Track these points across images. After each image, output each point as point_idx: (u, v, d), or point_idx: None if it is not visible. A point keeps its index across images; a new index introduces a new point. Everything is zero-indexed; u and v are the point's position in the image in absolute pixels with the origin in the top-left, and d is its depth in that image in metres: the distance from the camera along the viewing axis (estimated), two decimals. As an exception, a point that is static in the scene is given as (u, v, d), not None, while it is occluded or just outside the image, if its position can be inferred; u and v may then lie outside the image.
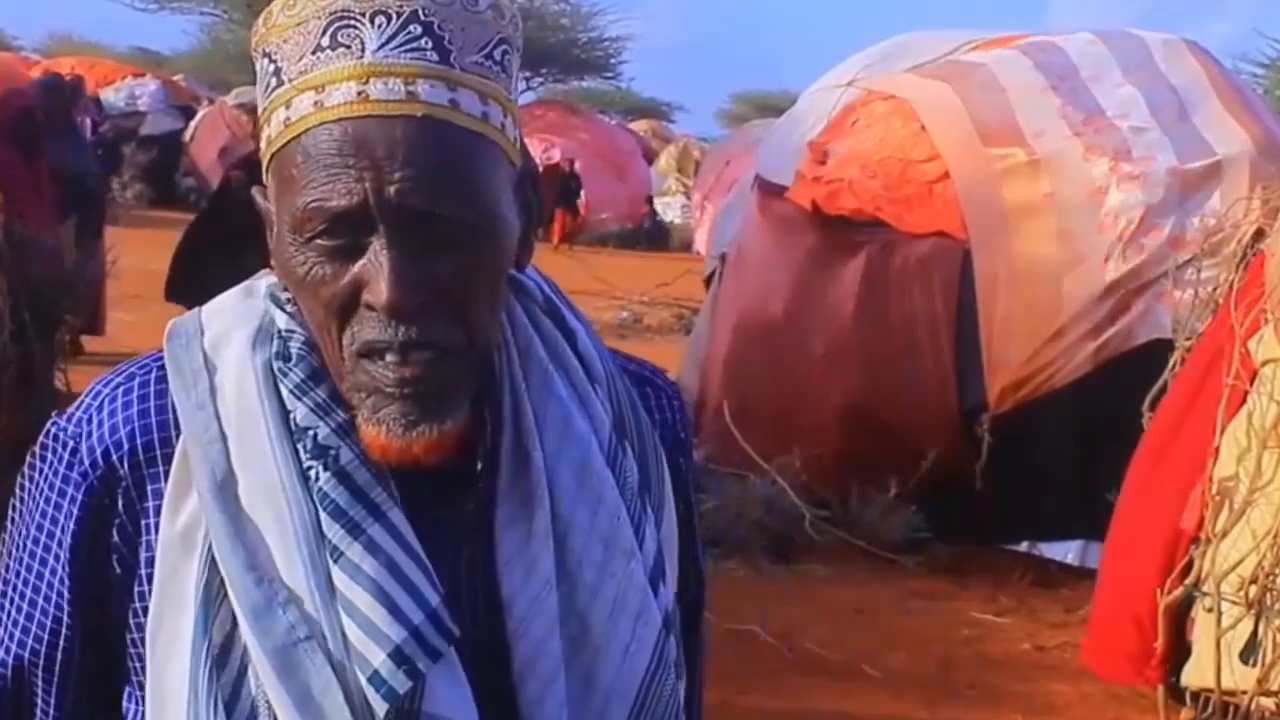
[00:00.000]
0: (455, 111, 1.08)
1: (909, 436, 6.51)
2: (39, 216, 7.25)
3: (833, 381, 6.86)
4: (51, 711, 1.21)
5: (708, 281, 8.70)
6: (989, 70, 7.30)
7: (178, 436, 1.15)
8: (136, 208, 20.89)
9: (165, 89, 25.04)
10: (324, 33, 1.08)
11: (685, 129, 38.92)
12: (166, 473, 1.15)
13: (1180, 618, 4.45)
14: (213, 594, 1.11)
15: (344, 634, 1.08)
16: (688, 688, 1.24)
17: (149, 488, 1.16)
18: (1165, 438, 4.73)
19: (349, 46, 1.08)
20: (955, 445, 6.48)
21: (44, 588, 1.19)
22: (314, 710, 1.07)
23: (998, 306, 6.57)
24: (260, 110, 1.13)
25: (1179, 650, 4.46)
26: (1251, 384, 4.38)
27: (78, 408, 1.20)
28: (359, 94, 1.07)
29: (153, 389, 1.18)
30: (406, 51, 1.08)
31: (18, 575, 1.20)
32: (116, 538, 1.16)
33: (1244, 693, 4.21)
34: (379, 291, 1.06)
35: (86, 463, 1.16)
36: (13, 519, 1.22)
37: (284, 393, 1.13)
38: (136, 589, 1.16)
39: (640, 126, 33.83)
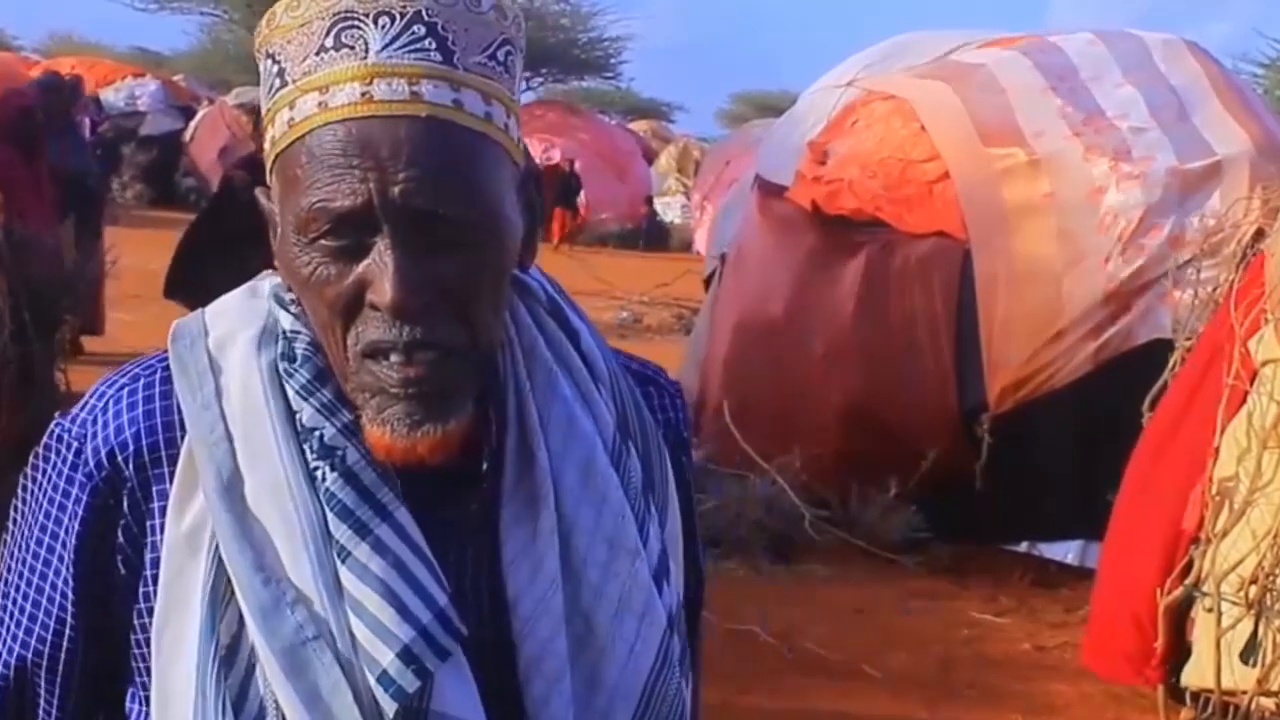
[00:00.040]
0: (459, 112, 1.08)
1: (909, 436, 6.51)
2: (39, 216, 7.25)
3: (833, 381, 6.85)
4: (54, 712, 1.21)
5: (707, 281, 8.69)
6: (989, 70, 7.29)
7: (182, 437, 1.14)
8: (136, 208, 20.89)
9: (165, 89, 25.05)
10: (328, 33, 1.08)
11: (685, 129, 39.03)
12: (171, 474, 1.14)
13: (1180, 618, 4.45)
14: (219, 594, 1.11)
15: (352, 633, 1.08)
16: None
17: (154, 489, 1.15)
18: (1164, 437, 4.73)
19: (353, 47, 1.08)
20: (955, 445, 6.47)
21: (47, 589, 1.18)
22: (322, 710, 1.08)
23: (998, 306, 6.57)
24: (264, 111, 1.14)
25: (1179, 650, 4.46)
26: (1251, 384, 4.38)
27: (82, 408, 1.19)
28: (363, 94, 1.07)
29: (157, 390, 1.17)
30: (410, 52, 1.08)
31: (20, 576, 1.20)
32: (121, 539, 1.16)
33: (1244, 693, 4.21)
34: (383, 292, 1.06)
35: (91, 464, 1.16)
36: (15, 519, 1.22)
37: (290, 393, 1.13)
38: (141, 590, 1.16)
39: (640, 126, 33.84)
